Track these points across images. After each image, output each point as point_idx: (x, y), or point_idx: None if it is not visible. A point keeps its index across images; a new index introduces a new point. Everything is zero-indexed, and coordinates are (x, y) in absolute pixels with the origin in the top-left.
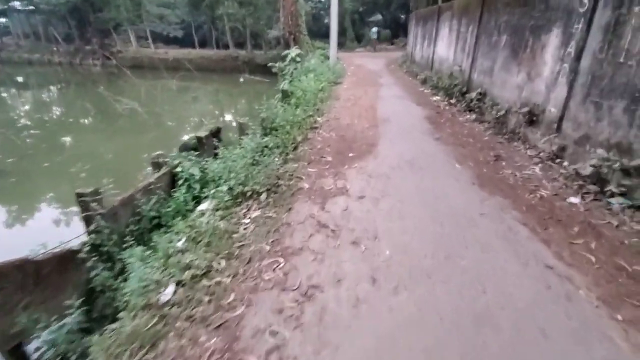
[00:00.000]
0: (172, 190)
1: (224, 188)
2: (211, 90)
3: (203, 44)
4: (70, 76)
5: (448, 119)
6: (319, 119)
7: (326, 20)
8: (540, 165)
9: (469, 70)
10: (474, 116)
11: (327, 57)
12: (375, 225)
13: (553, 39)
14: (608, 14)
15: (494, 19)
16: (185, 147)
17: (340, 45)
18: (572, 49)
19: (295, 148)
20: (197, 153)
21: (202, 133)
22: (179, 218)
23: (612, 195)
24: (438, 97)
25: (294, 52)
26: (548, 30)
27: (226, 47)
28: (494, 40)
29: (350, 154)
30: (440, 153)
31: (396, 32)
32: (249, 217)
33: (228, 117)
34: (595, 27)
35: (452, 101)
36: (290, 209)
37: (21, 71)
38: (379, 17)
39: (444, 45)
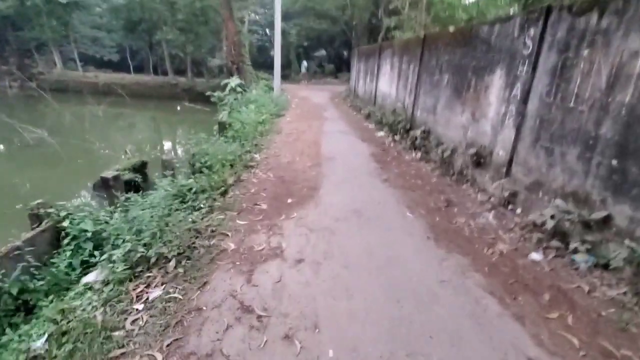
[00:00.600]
0: (55, 252)
1: (120, 252)
2: (145, 118)
3: (140, 69)
4: None
5: (394, 158)
6: (256, 155)
7: (272, 52)
8: (493, 212)
9: (411, 108)
10: (419, 154)
11: (272, 88)
12: (315, 307)
13: (497, 80)
14: (553, 58)
15: (434, 58)
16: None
17: (285, 77)
18: (517, 91)
19: (224, 192)
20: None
21: (110, 172)
22: (53, 296)
23: (576, 251)
24: (382, 133)
25: (234, 81)
26: (491, 71)
27: (165, 73)
28: (435, 78)
29: (289, 200)
30: (390, 198)
31: (339, 66)
32: (145, 300)
33: (162, 148)
34: (541, 70)
35: (397, 138)
36: (205, 283)
37: None
38: (323, 52)
39: (386, 82)
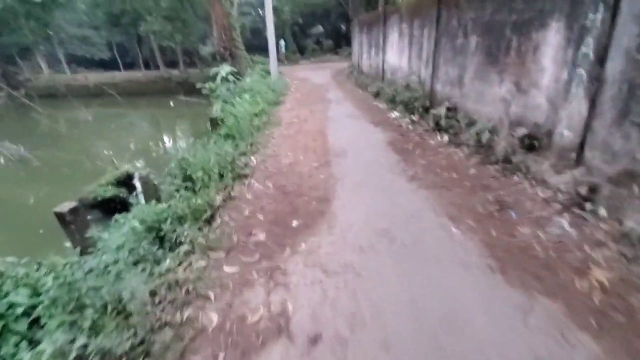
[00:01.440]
0: None
1: (49, 350)
2: (137, 117)
3: (131, 66)
4: None
5: (417, 144)
6: (252, 158)
7: (266, 34)
8: (566, 216)
9: (430, 81)
10: (446, 138)
11: (269, 72)
12: None
13: (552, 37)
14: None
15: (455, 18)
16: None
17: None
18: (589, 48)
19: (210, 219)
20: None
21: (67, 204)
22: None
23: None
24: (397, 113)
25: (224, 69)
26: (541, 25)
27: (158, 67)
28: (459, 43)
29: (294, 223)
30: (424, 205)
31: (338, 41)
32: None
33: (157, 150)
34: (626, 13)
35: (415, 118)
36: None
37: None
38: (319, 28)
39: (394, 53)
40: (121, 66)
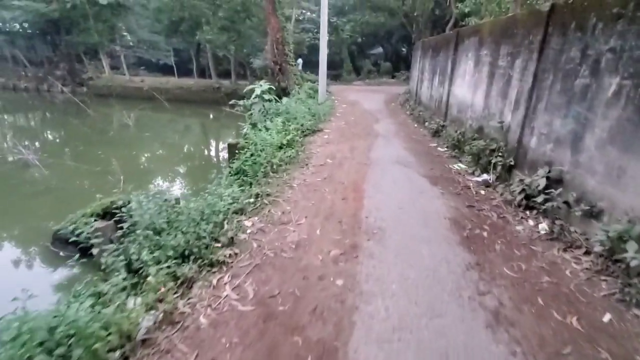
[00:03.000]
0: None
1: None
2: (175, 127)
3: (189, 73)
4: (24, 104)
5: (495, 229)
6: (247, 222)
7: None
8: None
9: (518, 131)
10: (544, 225)
11: (317, 91)
12: None
13: None
14: None
15: (577, 45)
16: None
17: (337, 78)
18: None
19: None
20: None
21: None
22: None
23: None
24: (462, 166)
25: (260, 87)
26: None
27: (211, 76)
28: (579, 84)
29: None
30: None
31: (397, 64)
32: None
33: (169, 174)
34: None
35: (489, 178)
36: None
37: None
38: (379, 49)
39: (465, 85)
40: (176, 72)
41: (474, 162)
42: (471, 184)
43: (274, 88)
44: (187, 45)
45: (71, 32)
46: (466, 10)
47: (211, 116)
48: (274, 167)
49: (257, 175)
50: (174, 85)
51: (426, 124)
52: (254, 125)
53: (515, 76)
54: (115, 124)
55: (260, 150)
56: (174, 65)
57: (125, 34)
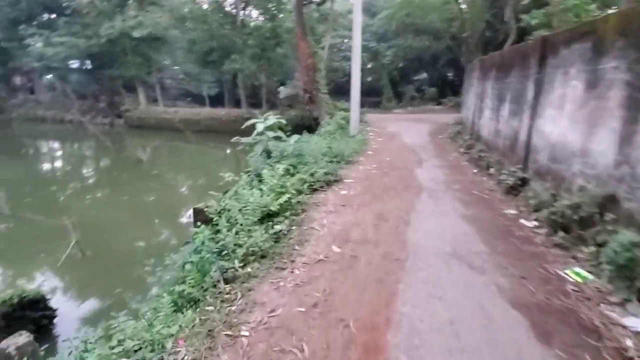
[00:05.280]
0: None
1: None
2: (192, 162)
3: (222, 103)
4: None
5: None
6: None
7: (367, 79)
8: None
9: None
10: None
11: (348, 122)
12: None
13: None
14: None
15: None
16: None
17: (376, 105)
18: None
19: None
20: None
21: None
22: None
23: None
24: (585, 274)
25: (264, 121)
26: None
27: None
28: None
29: None
30: None
31: (443, 90)
32: None
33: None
34: None
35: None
36: None
37: (31, 129)
38: (423, 74)
39: (566, 119)
40: (208, 103)
41: (621, 277)
42: (626, 334)
43: (285, 122)
44: (220, 76)
45: (112, 66)
46: (533, 22)
47: (228, 151)
48: (249, 254)
49: (202, 293)
50: (205, 115)
51: (492, 170)
52: (249, 175)
53: None
54: (132, 158)
55: (232, 225)
56: (206, 96)
57: (160, 66)
